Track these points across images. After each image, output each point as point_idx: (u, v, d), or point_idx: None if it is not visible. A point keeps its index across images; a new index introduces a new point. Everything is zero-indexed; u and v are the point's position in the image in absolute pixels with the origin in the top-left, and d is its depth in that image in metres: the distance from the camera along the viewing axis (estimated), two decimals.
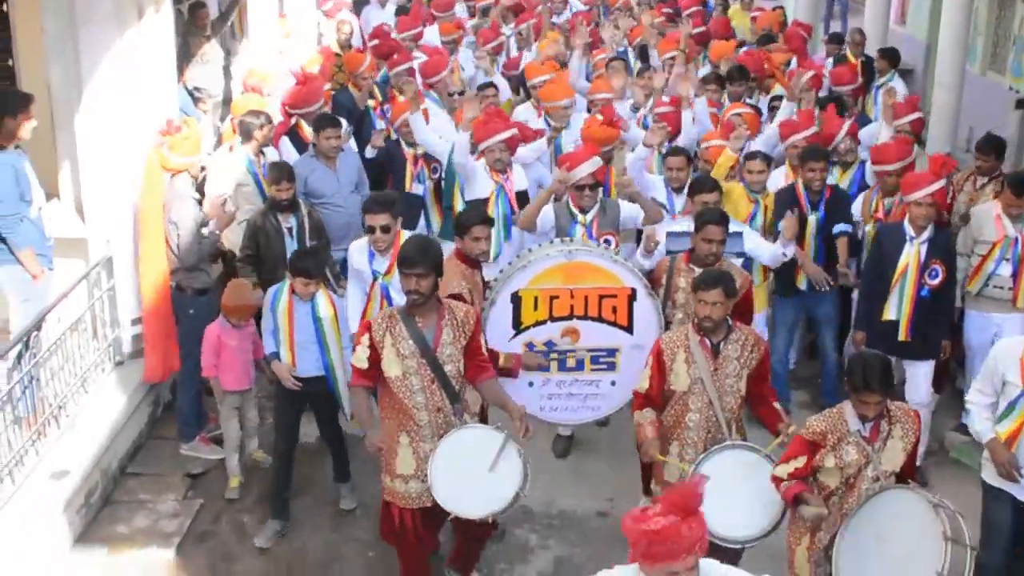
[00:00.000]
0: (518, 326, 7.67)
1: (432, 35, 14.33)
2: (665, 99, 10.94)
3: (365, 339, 6.35)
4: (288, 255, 8.18)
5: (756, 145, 9.86)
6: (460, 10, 16.29)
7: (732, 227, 7.75)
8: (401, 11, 15.76)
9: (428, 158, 10.13)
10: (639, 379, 6.85)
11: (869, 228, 9.10)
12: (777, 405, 6.80)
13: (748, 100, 11.60)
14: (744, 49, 13.81)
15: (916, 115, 10.30)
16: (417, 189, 10.22)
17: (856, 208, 9.23)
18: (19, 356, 7.36)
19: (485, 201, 9.16)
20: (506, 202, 9.24)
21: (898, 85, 12.46)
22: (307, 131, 10.23)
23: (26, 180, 7.56)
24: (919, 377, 8.42)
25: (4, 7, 9.78)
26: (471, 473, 6.23)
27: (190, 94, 11.17)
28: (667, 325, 7.69)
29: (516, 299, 7.62)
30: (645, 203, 8.58)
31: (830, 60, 14.27)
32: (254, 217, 8.67)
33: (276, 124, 9.98)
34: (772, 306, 9.19)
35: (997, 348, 6.59)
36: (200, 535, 7.77)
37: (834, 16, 21.41)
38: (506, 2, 16.05)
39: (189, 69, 11.30)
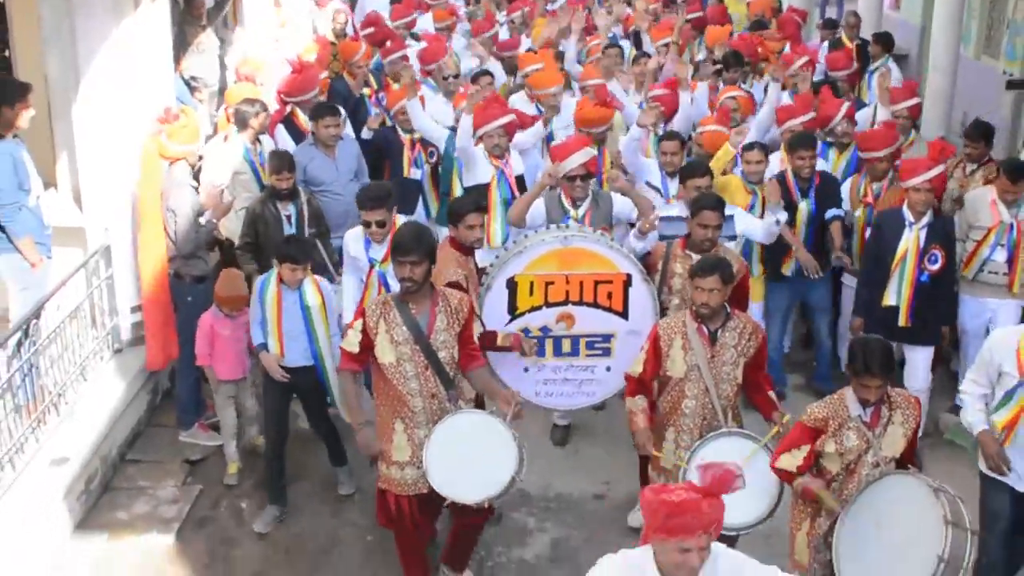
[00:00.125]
0: (513, 311, 7.69)
1: (426, 22, 14.35)
2: (660, 81, 10.97)
3: (358, 324, 6.38)
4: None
5: (751, 132, 9.85)
6: None
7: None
8: None
9: (425, 143, 10.16)
10: (633, 363, 6.87)
11: (859, 213, 9.13)
12: (772, 394, 6.83)
13: (742, 85, 11.62)
14: (738, 34, 13.83)
15: (914, 100, 10.32)
16: (415, 174, 10.25)
17: (844, 193, 9.25)
18: (18, 344, 7.40)
19: (486, 186, 9.20)
20: (507, 187, 9.26)
21: (892, 70, 12.46)
22: (302, 119, 10.25)
23: (24, 169, 7.59)
24: (918, 363, 8.47)
25: None
26: (466, 458, 6.24)
27: (186, 83, 11.18)
28: (663, 311, 7.71)
29: (512, 284, 7.64)
30: (636, 197, 8.54)
31: (825, 44, 14.29)
32: (253, 205, 8.70)
33: (271, 112, 10.01)
34: (766, 294, 9.23)
35: (992, 339, 6.58)
36: (199, 521, 7.82)
37: (830, 2, 21.41)
38: None
39: (185, 59, 11.29)
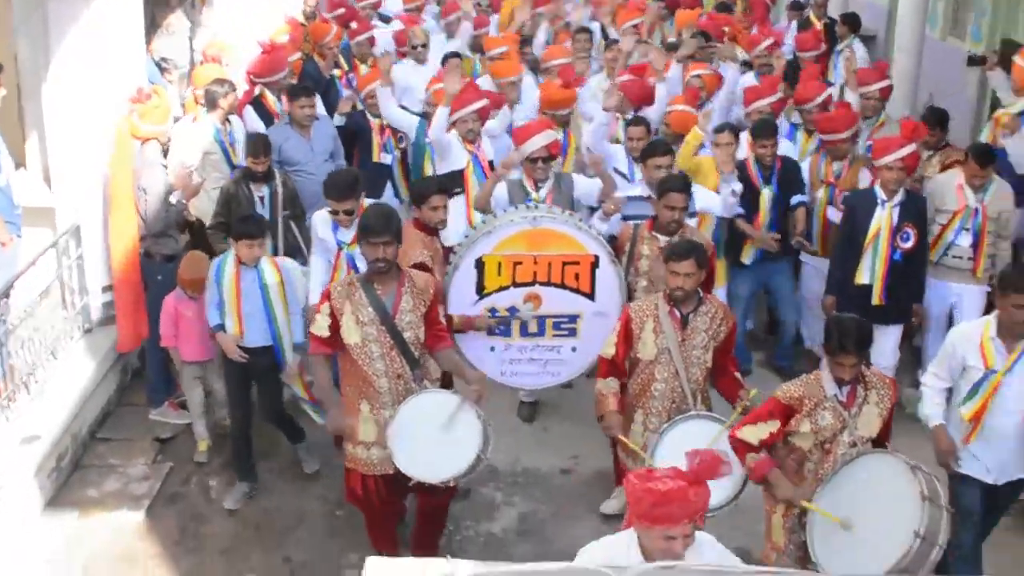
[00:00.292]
0: (481, 291, 7.74)
1: (394, 3, 14.35)
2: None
3: (325, 307, 6.41)
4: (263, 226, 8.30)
5: (714, 115, 9.89)
6: None
7: None
8: None
9: (395, 128, 10.21)
10: (605, 345, 6.92)
11: (820, 193, 9.19)
12: (737, 375, 6.88)
13: (710, 65, 11.68)
14: (706, 13, 13.88)
15: (885, 82, 10.33)
16: (384, 158, 10.26)
17: (803, 174, 9.31)
18: None
19: (461, 172, 9.20)
20: (481, 171, 9.24)
21: (858, 50, 12.58)
22: (271, 100, 10.29)
23: None
24: (888, 342, 8.53)
25: None
26: (432, 438, 6.27)
27: (157, 65, 11.19)
28: (630, 293, 7.79)
29: (480, 264, 7.69)
30: (606, 178, 8.61)
31: (793, 24, 14.38)
32: (227, 185, 8.75)
33: (240, 93, 10.04)
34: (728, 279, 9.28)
35: (955, 334, 6.59)
36: (170, 497, 7.88)
37: None
38: None
39: (155, 40, 11.30)
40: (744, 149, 9.45)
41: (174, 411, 8.64)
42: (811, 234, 9.22)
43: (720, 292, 8.80)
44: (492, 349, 7.86)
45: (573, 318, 7.85)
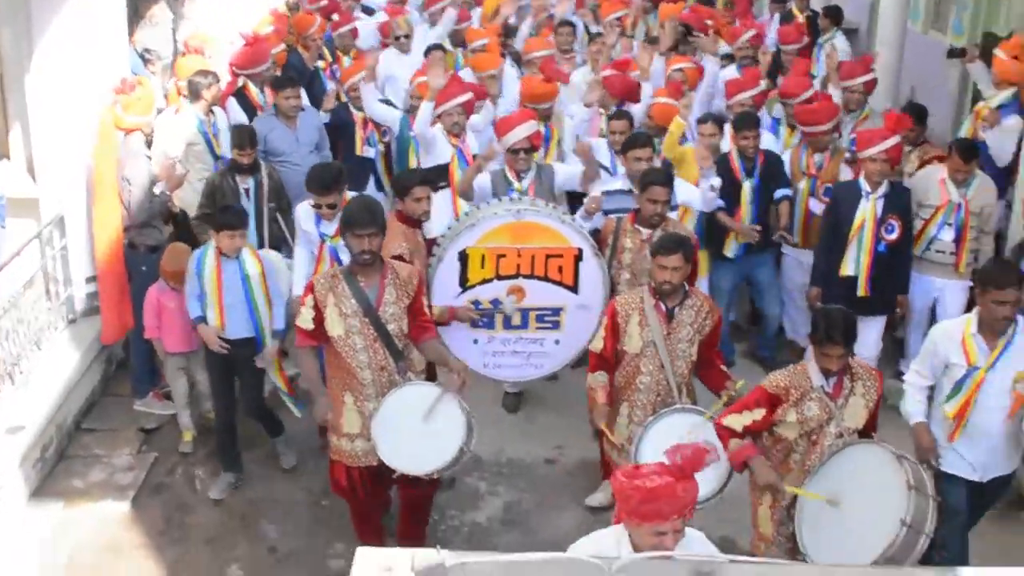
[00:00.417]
0: (465, 283, 7.75)
1: None
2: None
3: (309, 300, 6.41)
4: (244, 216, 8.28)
5: (694, 108, 9.91)
6: None
7: None
8: None
9: (377, 122, 10.21)
10: (594, 339, 6.94)
11: (802, 185, 9.22)
12: (723, 368, 6.91)
13: (692, 58, 11.70)
14: (689, 6, 13.89)
15: (869, 76, 10.31)
16: (368, 152, 10.27)
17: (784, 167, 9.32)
18: None
19: (446, 166, 9.18)
20: (466, 165, 9.24)
21: (840, 43, 12.62)
22: (254, 92, 10.29)
23: None
24: (871, 333, 8.56)
25: None
26: (415, 430, 6.28)
27: (140, 56, 11.17)
28: (613, 286, 7.81)
29: (463, 257, 7.69)
30: (591, 166, 8.64)
31: (776, 17, 14.41)
32: (212, 176, 8.77)
33: (223, 84, 10.04)
34: (710, 272, 9.31)
35: (936, 332, 6.57)
36: (155, 487, 7.89)
37: None
38: None
39: (138, 31, 11.27)
40: (728, 141, 9.50)
41: (159, 401, 8.64)
42: (793, 226, 9.24)
43: (702, 284, 8.85)
44: (475, 342, 7.87)
45: (556, 311, 7.87)
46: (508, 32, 12.43)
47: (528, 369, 8.09)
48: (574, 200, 9.05)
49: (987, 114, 9.61)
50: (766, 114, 10.38)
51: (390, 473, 6.44)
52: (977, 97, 10.76)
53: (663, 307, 6.69)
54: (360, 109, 10.12)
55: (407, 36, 11.60)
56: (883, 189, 8.39)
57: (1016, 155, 9.21)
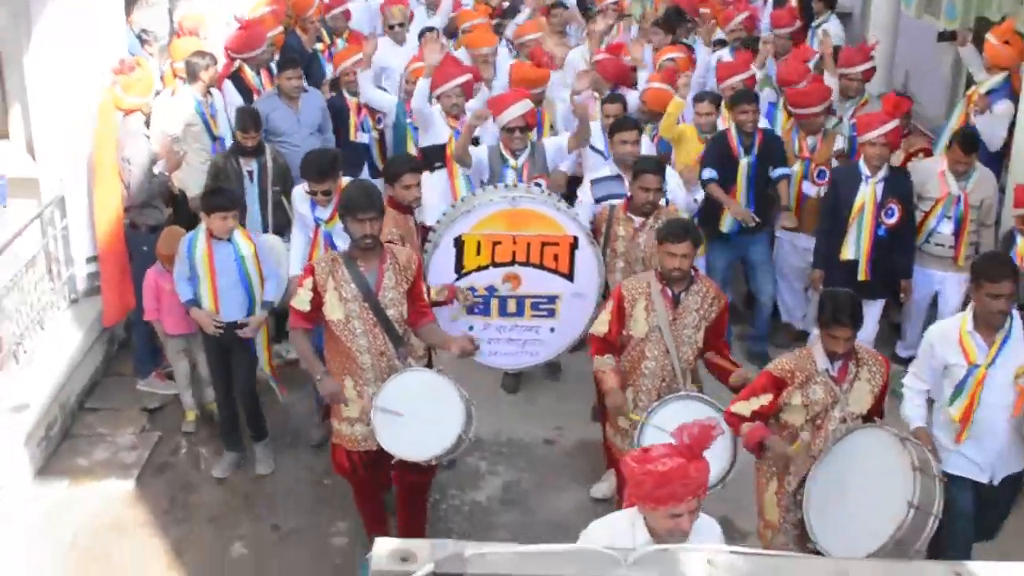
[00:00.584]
0: (460, 270, 7.70)
1: None
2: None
3: (308, 282, 6.41)
4: (247, 199, 8.30)
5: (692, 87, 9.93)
6: None
7: None
8: None
9: (372, 108, 10.21)
10: (597, 323, 6.91)
11: (796, 167, 9.21)
12: (731, 358, 6.88)
13: (685, 40, 11.75)
14: None
15: (869, 64, 10.20)
16: (362, 138, 10.24)
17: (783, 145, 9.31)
18: None
19: (443, 147, 9.16)
20: None
21: (834, 27, 12.62)
22: (249, 75, 10.31)
23: None
24: (869, 315, 8.51)
25: None
26: (414, 417, 6.28)
27: (137, 37, 11.17)
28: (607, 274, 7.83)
29: (459, 243, 7.64)
30: (584, 125, 8.65)
31: (770, 1, 14.42)
32: (216, 158, 8.82)
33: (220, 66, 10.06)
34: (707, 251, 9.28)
35: (932, 334, 6.39)
36: (159, 467, 7.96)
37: None
38: None
39: (135, 12, 11.27)
40: (720, 123, 9.53)
41: (161, 381, 8.70)
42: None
43: (699, 263, 8.88)
44: (471, 328, 7.78)
45: (552, 299, 7.83)
46: (506, 13, 12.42)
47: (524, 357, 8.07)
48: (572, 185, 9.07)
49: (977, 99, 9.64)
50: (762, 97, 10.39)
51: (389, 458, 6.45)
52: (971, 82, 10.81)
53: (669, 292, 6.66)
54: (354, 94, 10.11)
55: (401, 25, 11.56)
56: (883, 173, 8.40)
57: (1008, 141, 9.29)
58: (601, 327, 6.80)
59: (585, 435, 8.23)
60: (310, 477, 7.89)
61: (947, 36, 11.21)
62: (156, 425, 8.39)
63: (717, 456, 5.99)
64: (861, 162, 8.50)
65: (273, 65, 10.57)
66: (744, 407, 6.06)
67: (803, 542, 5.98)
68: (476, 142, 8.88)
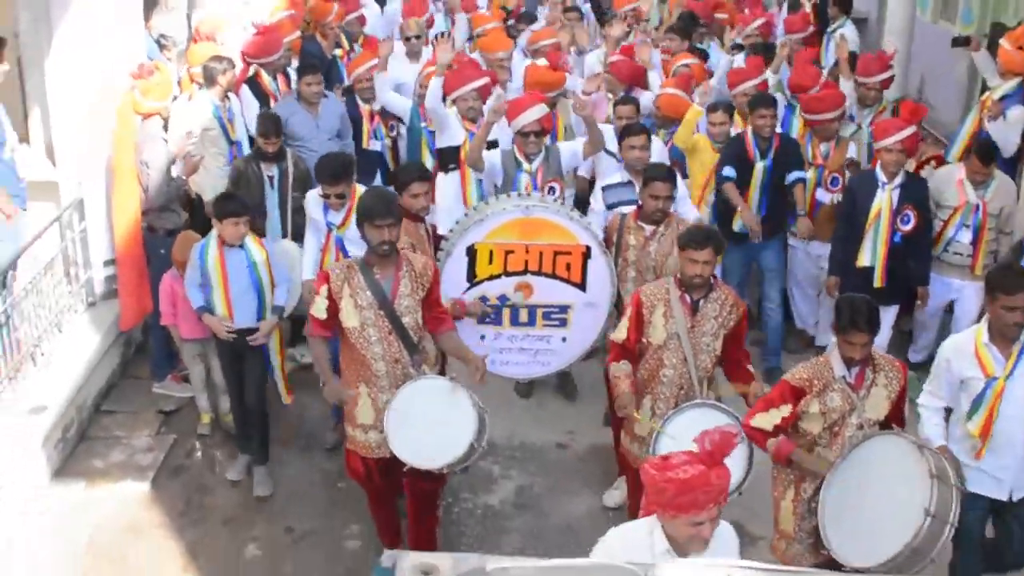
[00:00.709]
0: (472, 279, 7.64)
1: None
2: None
3: (324, 290, 6.39)
4: (267, 204, 8.34)
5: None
6: None
7: None
8: None
9: (385, 115, 10.24)
10: (616, 329, 6.88)
11: (809, 174, 9.19)
12: (750, 367, 6.81)
13: (699, 45, 11.77)
14: None
15: (888, 73, 10.11)
16: (374, 145, 10.29)
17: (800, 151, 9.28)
18: None
19: (458, 148, 9.18)
20: None
21: (849, 32, 12.61)
22: (266, 80, 10.39)
23: None
24: (884, 322, 8.42)
25: None
26: (427, 425, 6.28)
27: (156, 42, 11.25)
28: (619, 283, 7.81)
29: (471, 252, 7.57)
30: (593, 129, 8.62)
31: (785, 6, 14.44)
32: (237, 162, 8.89)
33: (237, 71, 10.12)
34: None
35: (946, 349, 6.27)
36: (174, 469, 8.02)
37: None
38: None
39: (154, 16, 11.35)
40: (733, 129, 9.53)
41: (177, 384, 8.76)
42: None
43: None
44: (482, 338, 7.76)
45: (564, 308, 7.75)
46: (521, 18, 12.46)
47: (535, 366, 8.00)
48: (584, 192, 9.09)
49: (991, 105, 9.64)
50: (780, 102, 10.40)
51: (402, 465, 6.42)
52: (986, 87, 10.80)
53: (688, 299, 6.60)
54: (367, 101, 10.16)
55: (418, 37, 11.59)
56: (899, 179, 8.38)
57: (1022, 146, 9.27)
58: (620, 333, 6.76)
59: (597, 439, 8.27)
60: (324, 480, 7.94)
61: (961, 42, 11.20)
62: (172, 428, 8.47)
63: (735, 463, 5.91)
64: (878, 168, 8.47)
65: (290, 70, 10.65)
66: (765, 420, 5.99)
67: (817, 550, 5.98)
68: (491, 145, 8.88)
